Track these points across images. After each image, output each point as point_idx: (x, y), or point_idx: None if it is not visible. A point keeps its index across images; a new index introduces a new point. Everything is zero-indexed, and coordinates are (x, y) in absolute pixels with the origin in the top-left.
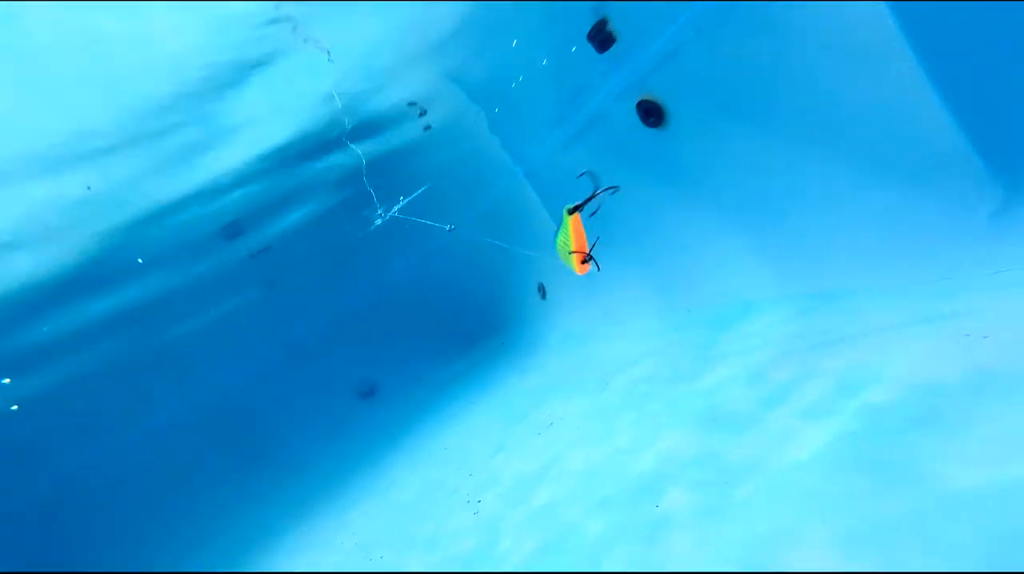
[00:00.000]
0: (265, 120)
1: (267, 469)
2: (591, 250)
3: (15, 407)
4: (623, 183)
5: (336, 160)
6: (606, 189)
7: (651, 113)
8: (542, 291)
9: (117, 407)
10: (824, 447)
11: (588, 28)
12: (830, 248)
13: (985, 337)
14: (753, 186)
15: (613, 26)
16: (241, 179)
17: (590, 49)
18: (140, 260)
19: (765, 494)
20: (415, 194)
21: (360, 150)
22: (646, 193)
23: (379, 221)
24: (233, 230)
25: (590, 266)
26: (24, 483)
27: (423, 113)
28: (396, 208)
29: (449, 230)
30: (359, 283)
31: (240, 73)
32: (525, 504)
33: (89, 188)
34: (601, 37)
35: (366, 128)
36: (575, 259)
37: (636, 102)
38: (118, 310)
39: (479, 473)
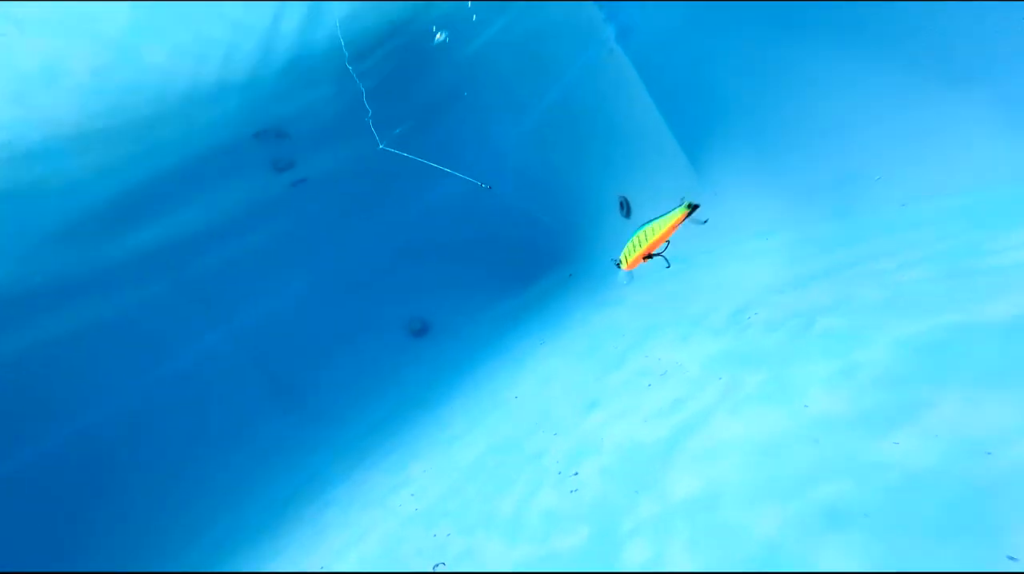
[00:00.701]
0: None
1: (310, 415)
2: (662, 252)
3: None
4: (748, 47)
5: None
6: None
7: None
8: (625, 206)
9: (141, 347)
10: None
11: None
12: None
13: None
14: None
15: None
16: (275, 79)
17: None
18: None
19: None
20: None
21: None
22: (792, 43)
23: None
24: (270, 136)
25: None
26: (31, 438)
27: None
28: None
29: (484, 187)
30: (406, 203)
31: None
32: (656, 490)
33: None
34: None
35: None
36: (636, 255)
37: None
38: (141, 233)
39: (567, 434)
